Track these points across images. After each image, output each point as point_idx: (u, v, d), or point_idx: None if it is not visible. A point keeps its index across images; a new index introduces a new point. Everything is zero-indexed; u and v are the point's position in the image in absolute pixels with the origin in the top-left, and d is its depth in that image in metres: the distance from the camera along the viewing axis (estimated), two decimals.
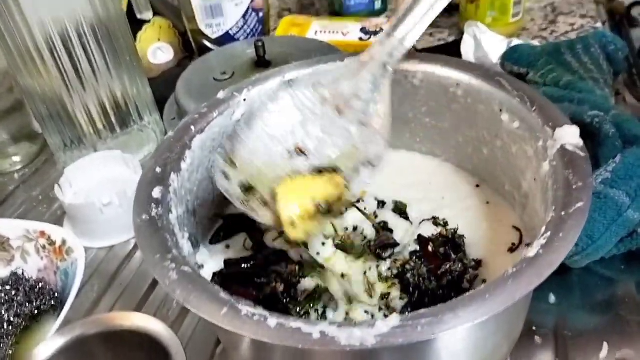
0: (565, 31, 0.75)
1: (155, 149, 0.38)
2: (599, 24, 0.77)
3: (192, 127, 0.39)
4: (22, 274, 0.40)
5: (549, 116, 0.34)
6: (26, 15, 0.47)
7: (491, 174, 0.41)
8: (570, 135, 0.32)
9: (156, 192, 0.33)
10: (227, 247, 0.40)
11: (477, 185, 0.43)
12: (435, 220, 0.39)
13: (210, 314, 0.25)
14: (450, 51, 0.67)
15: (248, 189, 0.36)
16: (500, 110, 0.38)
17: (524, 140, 0.36)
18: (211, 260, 0.39)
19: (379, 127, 0.37)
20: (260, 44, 0.57)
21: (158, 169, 0.35)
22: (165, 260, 0.28)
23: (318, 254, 0.37)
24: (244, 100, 0.41)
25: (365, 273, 0.36)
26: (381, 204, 0.42)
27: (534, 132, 0.35)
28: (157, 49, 0.73)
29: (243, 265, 0.38)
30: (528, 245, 0.36)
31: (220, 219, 0.42)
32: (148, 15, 0.57)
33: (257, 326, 0.24)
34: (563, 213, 0.28)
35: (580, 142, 0.32)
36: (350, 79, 0.38)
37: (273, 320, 0.24)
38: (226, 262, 0.38)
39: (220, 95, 0.41)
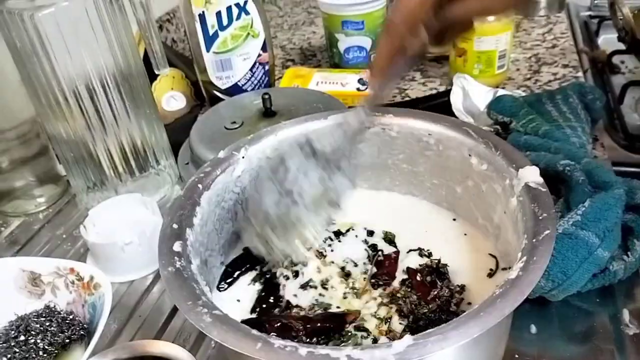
0: (548, 80, 0.80)
1: (169, 206, 0.42)
2: (579, 73, 0.83)
3: (200, 185, 0.43)
4: (54, 306, 0.44)
5: (512, 158, 0.40)
6: (56, 70, 0.52)
7: (465, 210, 0.47)
8: (531, 174, 0.38)
9: (177, 246, 0.37)
10: (238, 300, 0.44)
11: (454, 219, 0.48)
12: (420, 251, 0.45)
13: (247, 349, 0.29)
14: (441, 99, 0.73)
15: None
16: (470, 155, 0.44)
17: (492, 179, 0.42)
18: (225, 304, 0.43)
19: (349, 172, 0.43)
20: (267, 96, 0.62)
21: (175, 225, 0.39)
22: (197, 306, 0.32)
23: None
24: (243, 157, 0.46)
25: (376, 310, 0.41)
26: (370, 233, 0.47)
27: (501, 172, 0.41)
28: (170, 97, 0.79)
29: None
30: (505, 269, 0.42)
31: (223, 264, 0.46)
32: (165, 71, 0.62)
33: (290, 356, 0.28)
34: (534, 240, 0.33)
35: (541, 180, 0.37)
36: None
37: (303, 350, 0.28)
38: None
39: (221, 154, 0.46)
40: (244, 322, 0.40)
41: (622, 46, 0.90)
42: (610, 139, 0.81)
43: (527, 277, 0.31)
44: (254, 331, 0.30)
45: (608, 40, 1.04)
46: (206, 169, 0.45)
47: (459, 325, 0.29)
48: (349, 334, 0.38)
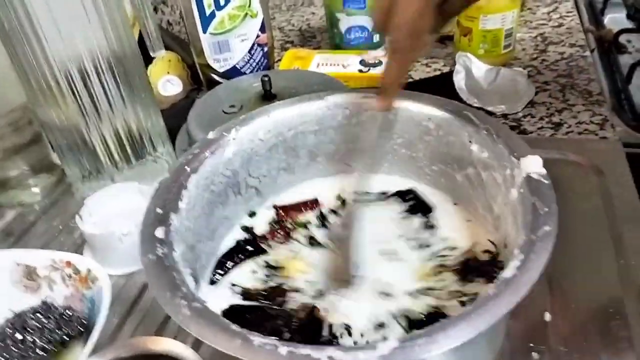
0: (555, 60, 0.78)
1: (154, 190, 0.40)
2: (587, 53, 0.81)
3: (187, 168, 0.41)
4: (51, 302, 0.43)
5: (514, 146, 0.38)
6: (47, 53, 0.50)
7: (465, 198, 0.45)
8: (534, 165, 0.36)
9: (159, 232, 0.36)
10: (233, 285, 0.42)
11: (455, 204, 0.46)
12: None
13: (225, 346, 0.28)
14: (444, 80, 0.71)
15: None
16: (470, 142, 0.42)
17: (493, 168, 0.40)
18: (213, 295, 0.41)
19: None
20: (266, 78, 0.60)
21: (159, 210, 0.38)
22: (176, 297, 0.31)
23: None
24: (233, 139, 0.44)
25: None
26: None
27: (501, 161, 0.38)
28: (166, 81, 0.77)
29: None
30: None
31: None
32: (161, 52, 0.60)
33: (270, 355, 0.27)
34: (533, 236, 0.31)
35: (544, 171, 0.35)
36: None
37: (284, 349, 0.27)
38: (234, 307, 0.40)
39: (210, 135, 0.44)
40: (228, 310, 0.39)
41: (628, 25, 0.88)
42: (619, 119, 0.79)
43: (523, 277, 0.29)
44: (234, 326, 0.29)
45: (614, 19, 1.02)
46: (194, 150, 0.43)
47: (448, 328, 0.27)
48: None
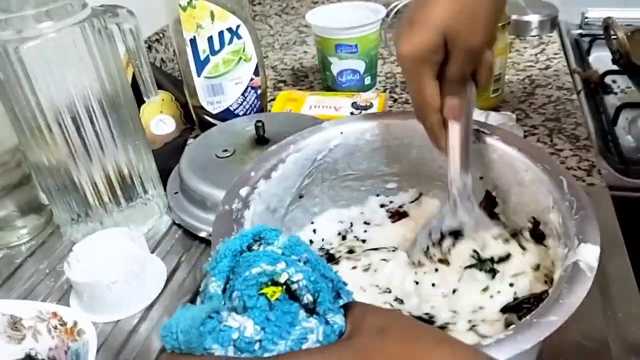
0: (543, 103, 0.80)
1: (259, 156, 0.47)
2: (574, 96, 0.82)
3: (292, 146, 0.48)
4: (36, 354, 0.42)
5: (584, 228, 0.37)
6: (40, 100, 0.50)
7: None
8: (588, 255, 0.34)
9: (243, 191, 0.43)
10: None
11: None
12: None
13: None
14: None
15: None
16: (553, 207, 0.41)
17: (556, 237, 0.40)
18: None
19: None
20: (260, 124, 0.60)
21: (252, 173, 0.45)
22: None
23: None
24: (341, 133, 0.50)
25: None
26: None
27: (566, 239, 0.38)
28: (159, 120, 0.77)
29: None
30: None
31: None
32: (154, 98, 0.60)
33: None
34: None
35: (594, 265, 0.34)
36: None
37: None
38: None
39: (324, 124, 0.50)
40: None
41: (613, 65, 0.90)
42: (606, 162, 0.80)
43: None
44: None
45: (600, 58, 1.05)
46: (304, 133, 0.49)
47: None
48: None
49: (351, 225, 0.53)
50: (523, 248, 0.44)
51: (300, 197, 0.50)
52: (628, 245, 0.53)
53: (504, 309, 0.41)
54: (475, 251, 0.44)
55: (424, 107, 0.42)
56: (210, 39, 0.67)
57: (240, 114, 0.73)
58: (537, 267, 0.43)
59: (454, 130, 0.43)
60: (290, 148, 0.47)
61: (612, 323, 0.46)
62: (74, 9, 0.49)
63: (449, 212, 0.45)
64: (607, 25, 0.84)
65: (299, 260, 0.27)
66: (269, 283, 0.25)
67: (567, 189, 0.40)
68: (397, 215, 0.53)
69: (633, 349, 0.44)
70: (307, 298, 0.25)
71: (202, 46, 0.67)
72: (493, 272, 0.44)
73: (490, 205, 0.48)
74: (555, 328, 0.30)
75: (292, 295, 0.25)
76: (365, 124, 0.50)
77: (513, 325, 0.31)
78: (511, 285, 0.42)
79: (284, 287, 0.25)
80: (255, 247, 0.28)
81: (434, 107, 0.42)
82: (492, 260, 0.44)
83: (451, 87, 0.42)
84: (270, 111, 0.78)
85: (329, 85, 0.83)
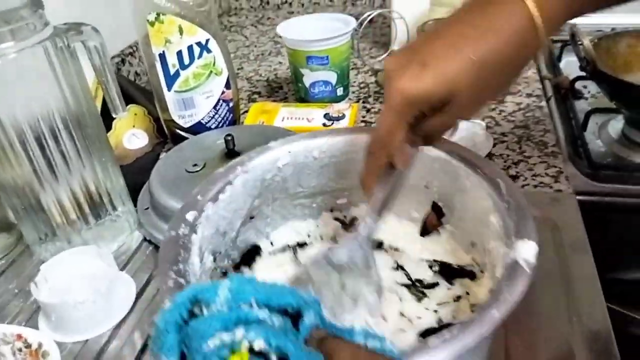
0: (512, 110, 0.81)
1: (206, 179, 0.47)
2: (543, 103, 0.84)
3: (239, 167, 0.47)
4: None
5: (521, 226, 0.38)
6: (2, 119, 0.49)
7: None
8: (526, 251, 0.35)
9: (189, 215, 0.42)
10: None
11: None
12: None
13: None
14: None
15: None
16: (493, 210, 0.42)
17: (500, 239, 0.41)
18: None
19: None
20: (229, 137, 0.61)
21: (199, 197, 0.44)
22: (170, 270, 0.36)
23: None
24: (289, 152, 0.50)
25: None
26: None
27: (508, 239, 0.38)
28: (132, 135, 0.77)
29: None
30: None
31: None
32: (123, 114, 0.60)
33: None
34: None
35: (532, 262, 0.35)
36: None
37: None
38: None
39: (271, 144, 0.50)
40: None
41: (581, 72, 0.92)
42: (574, 167, 0.82)
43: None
44: None
45: (571, 63, 1.06)
46: (252, 154, 0.49)
47: None
48: None
49: (308, 236, 0.53)
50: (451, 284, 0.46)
51: (252, 217, 0.50)
52: (596, 250, 0.54)
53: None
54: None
55: (384, 146, 0.40)
56: (179, 53, 0.67)
57: (212, 127, 0.73)
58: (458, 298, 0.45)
59: (391, 177, 0.42)
60: (237, 169, 0.47)
61: (578, 329, 0.47)
62: (36, 29, 0.49)
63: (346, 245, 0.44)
64: (573, 33, 0.86)
65: (250, 305, 0.26)
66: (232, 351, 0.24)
67: (505, 191, 0.42)
68: (351, 225, 0.53)
69: (597, 355, 0.45)
70: (275, 356, 0.24)
71: (172, 61, 0.67)
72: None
73: (437, 214, 0.50)
74: (497, 323, 0.31)
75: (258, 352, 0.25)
76: (313, 142, 0.50)
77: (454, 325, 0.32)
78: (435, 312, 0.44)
79: (249, 351, 0.24)
80: (196, 310, 0.26)
81: (391, 151, 0.40)
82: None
83: (417, 138, 0.41)
84: (243, 123, 0.78)
85: (302, 96, 0.83)
